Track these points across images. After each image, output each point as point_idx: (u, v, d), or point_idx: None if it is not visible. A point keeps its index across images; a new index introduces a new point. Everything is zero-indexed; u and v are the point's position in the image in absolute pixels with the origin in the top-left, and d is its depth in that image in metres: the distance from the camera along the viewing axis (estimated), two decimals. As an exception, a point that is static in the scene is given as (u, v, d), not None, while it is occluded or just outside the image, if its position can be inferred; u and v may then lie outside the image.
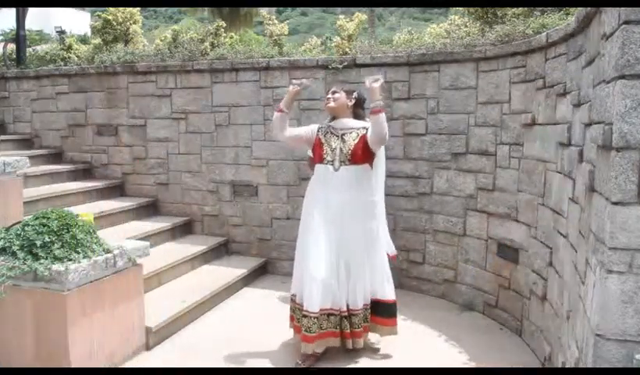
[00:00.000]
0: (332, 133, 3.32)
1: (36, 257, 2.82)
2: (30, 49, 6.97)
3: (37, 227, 2.91)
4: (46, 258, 2.82)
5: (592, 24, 2.42)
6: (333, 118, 3.41)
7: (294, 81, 3.37)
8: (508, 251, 3.85)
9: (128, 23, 6.32)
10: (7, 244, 2.90)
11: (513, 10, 4.20)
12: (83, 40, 11.22)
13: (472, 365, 3.27)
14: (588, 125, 2.37)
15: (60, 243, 2.89)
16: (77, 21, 22.58)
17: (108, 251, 3.09)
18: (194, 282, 4.39)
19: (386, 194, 3.64)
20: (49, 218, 2.96)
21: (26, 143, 6.07)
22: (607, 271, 1.86)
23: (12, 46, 6.84)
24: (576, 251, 2.50)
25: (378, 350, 3.46)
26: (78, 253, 2.92)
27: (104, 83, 5.72)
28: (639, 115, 1.80)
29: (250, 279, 4.86)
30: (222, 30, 5.78)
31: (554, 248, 3.13)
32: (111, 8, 6.25)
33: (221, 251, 5.22)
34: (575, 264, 2.48)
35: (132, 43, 6.26)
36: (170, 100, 5.45)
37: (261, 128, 5.10)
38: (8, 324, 2.95)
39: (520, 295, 3.71)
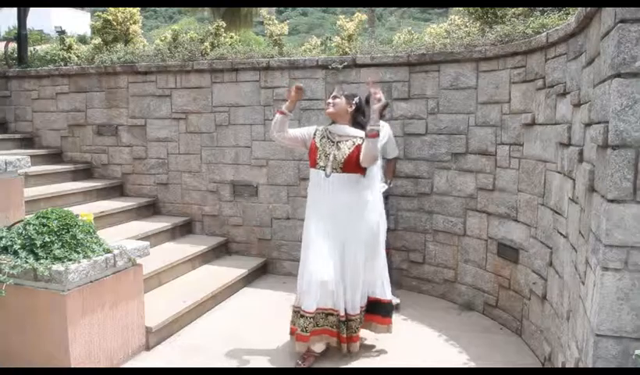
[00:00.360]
0: (328, 138, 3.31)
1: (36, 257, 2.83)
2: (31, 49, 6.95)
3: (37, 227, 2.91)
4: (46, 258, 2.82)
5: (592, 24, 2.42)
6: (333, 121, 3.41)
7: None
8: (508, 251, 3.85)
9: (128, 23, 6.30)
10: (9, 243, 2.91)
11: (513, 10, 4.20)
12: (83, 40, 11.21)
13: (472, 365, 3.27)
14: (588, 125, 2.37)
15: (60, 243, 2.90)
16: (77, 21, 22.60)
17: (108, 251, 3.10)
18: (194, 282, 4.39)
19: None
20: (49, 218, 2.96)
21: (27, 142, 6.07)
22: (603, 268, 1.87)
23: (12, 45, 6.83)
24: (576, 252, 2.50)
25: (374, 347, 3.47)
26: (78, 253, 2.93)
27: (104, 83, 5.73)
28: (635, 113, 1.80)
29: (250, 279, 4.86)
30: (222, 30, 5.77)
31: (554, 248, 3.13)
32: (111, 9, 6.23)
33: (221, 251, 5.22)
34: (575, 264, 2.48)
35: (132, 43, 6.25)
36: (170, 100, 5.45)
37: (261, 128, 5.10)
38: (9, 323, 2.95)
39: (520, 295, 3.71)
